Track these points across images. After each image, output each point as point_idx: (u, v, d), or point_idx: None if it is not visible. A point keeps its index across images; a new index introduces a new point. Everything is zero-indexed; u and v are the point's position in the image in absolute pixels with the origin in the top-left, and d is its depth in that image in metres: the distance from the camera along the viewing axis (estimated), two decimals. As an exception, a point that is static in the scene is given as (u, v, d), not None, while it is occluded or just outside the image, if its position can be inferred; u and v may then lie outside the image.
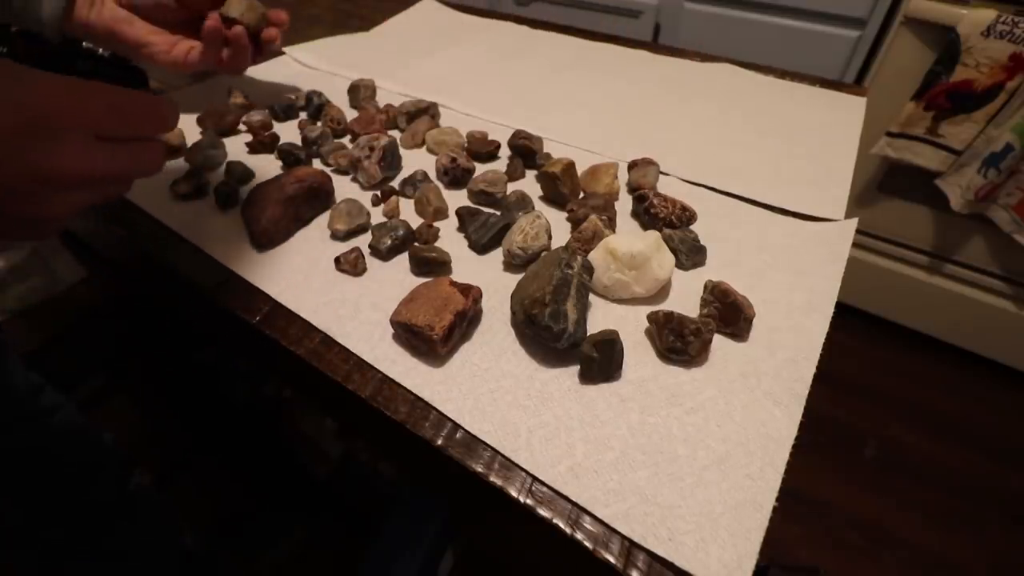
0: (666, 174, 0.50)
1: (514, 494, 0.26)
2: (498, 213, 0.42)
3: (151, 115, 0.28)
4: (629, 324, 0.35)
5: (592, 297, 0.36)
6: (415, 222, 0.42)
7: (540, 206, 0.46)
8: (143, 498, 0.56)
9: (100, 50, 0.58)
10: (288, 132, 0.55)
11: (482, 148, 0.51)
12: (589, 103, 0.63)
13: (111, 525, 0.52)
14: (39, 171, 0.23)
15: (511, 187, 0.47)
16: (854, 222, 0.44)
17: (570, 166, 0.45)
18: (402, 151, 0.52)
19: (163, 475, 0.66)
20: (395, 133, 0.56)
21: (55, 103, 0.23)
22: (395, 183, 0.48)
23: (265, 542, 0.80)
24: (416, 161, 0.51)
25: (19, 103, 0.22)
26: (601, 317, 0.35)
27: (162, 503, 0.59)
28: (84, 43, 0.57)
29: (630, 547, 0.25)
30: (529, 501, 0.26)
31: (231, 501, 0.82)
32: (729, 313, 0.34)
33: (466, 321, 0.33)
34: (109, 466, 0.52)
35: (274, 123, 0.57)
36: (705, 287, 0.35)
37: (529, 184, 0.48)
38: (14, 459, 0.44)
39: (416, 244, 0.40)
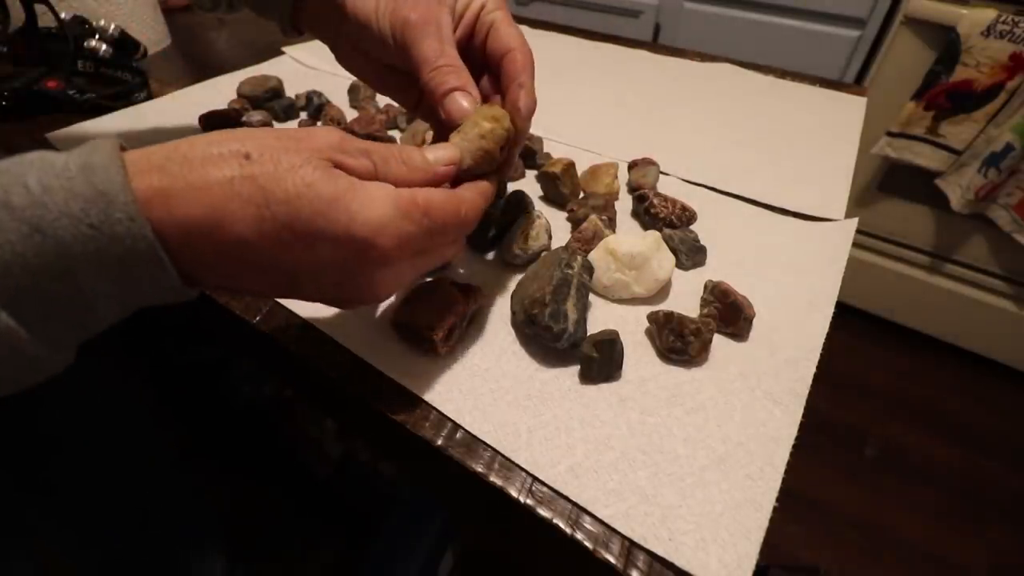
0: (666, 174, 0.50)
1: (514, 494, 0.26)
2: (498, 213, 0.42)
3: (460, 224, 0.27)
4: (629, 324, 0.35)
5: (592, 297, 0.36)
6: (415, 222, 0.42)
7: (540, 206, 0.46)
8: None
9: (101, 50, 0.58)
10: (288, 132, 0.55)
11: (482, 148, 0.51)
12: (589, 103, 0.63)
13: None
14: (351, 297, 0.26)
15: (511, 187, 0.47)
16: (854, 222, 0.44)
17: (570, 166, 0.45)
18: (402, 151, 0.52)
19: (162, 476, 0.66)
20: (395, 133, 0.56)
21: (388, 245, 0.23)
22: (395, 183, 0.48)
23: (265, 542, 0.80)
24: (416, 161, 0.51)
25: (359, 245, 0.22)
26: (601, 317, 0.35)
27: (160, 506, 0.59)
28: (85, 43, 0.58)
29: (630, 547, 0.25)
30: (529, 501, 0.26)
31: (231, 501, 0.82)
32: (729, 313, 0.34)
33: (466, 321, 0.33)
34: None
35: (274, 123, 0.57)
36: (705, 287, 0.35)
37: (529, 184, 0.48)
38: None
39: (416, 244, 0.40)
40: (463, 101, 0.30)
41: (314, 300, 0.26)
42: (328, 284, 0.24)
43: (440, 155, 0.28)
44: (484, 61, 0.34)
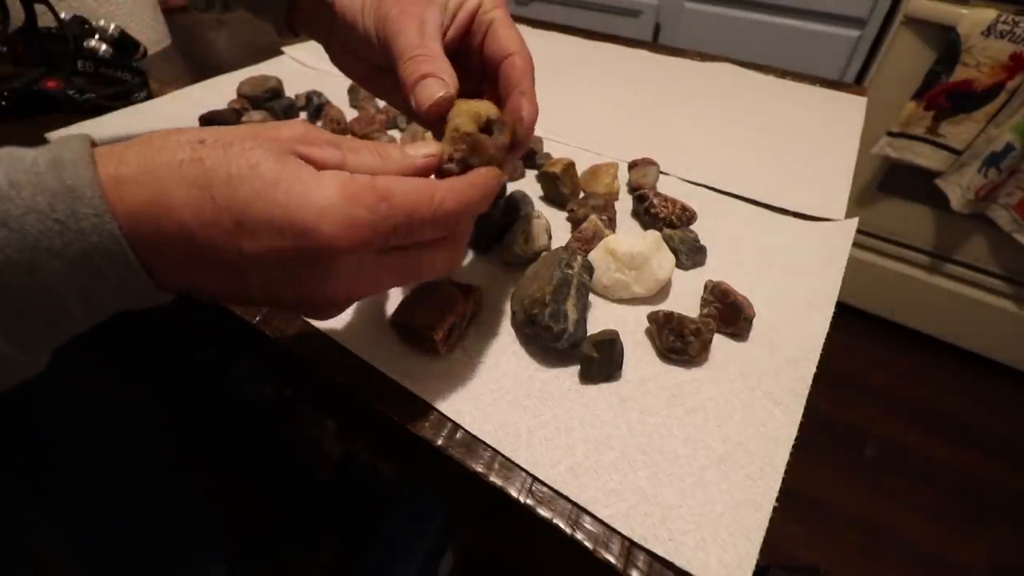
0: (666, 174, 0.50)
1: (514, 494, 0.26)
2: (498, 213, 0.42)
3: (436, 215, 0.23)
4: (629, 324, 0.35)
5: (592, 297, 0.36)
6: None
7: (540, 206, 0.46)
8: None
9: (101, 50, 0.58)
10: (288, 132, 0.55)
11: (482, 148, 0.51)
12: (589, 103, 0.63)
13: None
14: (301, 299, 0.23)
15: (511, 187, 0.47)
16: (854, 222, 0.44)
17: (570, 166, 0.45)
18: (402, 151, 0.52)
19: (161, 477, 0.66)
20: (395, 133, 0.56)
21: (331, 232, 0.21)
22: (395, 183, 0.48)
23: (265, 543, 0.80)
24: (416, 161, 0.51)
25: (298, 231, 0.20)
26: (601, 317, 0.35)
27: (159, 508, 0.59)
28: (85, 43, 0.58)
29: (630, 547, 0.25)
30: (529, 501, 0.26)
31: (230, 502, 0.82)
32: (729, 313, 0.34)
33: (466, 321, 0.33)
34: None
35: (274, 123, 0.57)
36: (705, 287, 0.35)
37: (529, 184, 0.48)
38: None
39: (416, 244, 0.40)
40: (434, 86, 0.27)
41: (271, 305, 0.24)
42: (279, 283, 0.22)
43: (420, 150, 0.25)
44: (482, 65, 0.33)
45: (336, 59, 0.37)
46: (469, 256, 0.40)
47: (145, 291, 0.21)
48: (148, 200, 0.20)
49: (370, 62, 0.34)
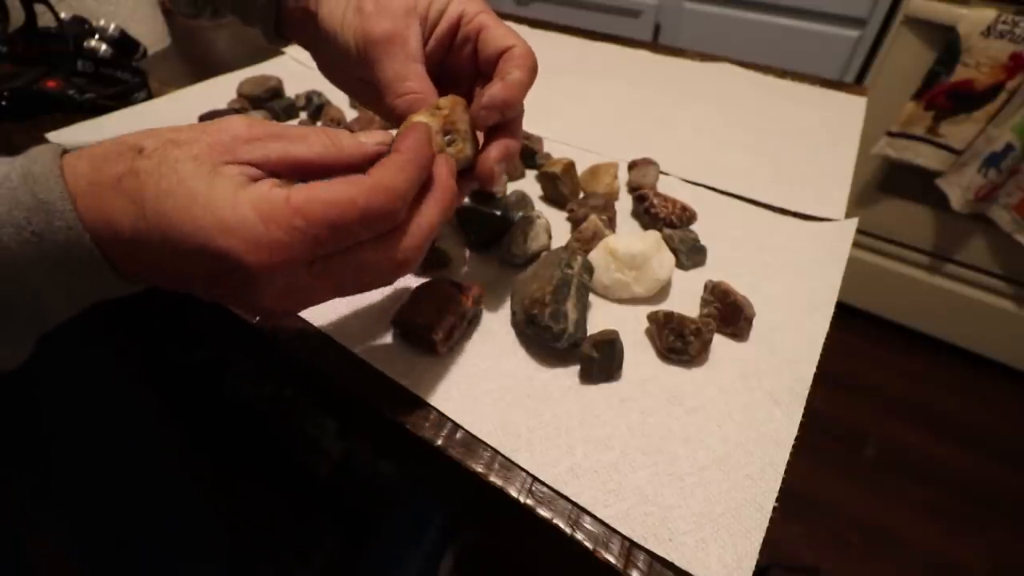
0: (666, 174, 0.50)
1: (514, 494, 0.26)
2: (498, 213, 0.42)
3: (366, 217, 0.22)
4: (629, 324, 0.35)
5: (592, 297, 0.36)
6: (415, 222, 0.42)
7: (540, 206, 0.46)
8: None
9: (101, 50, 0.58)
10: (288, 132, 0.55)
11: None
12: (589, 103, 0.63)
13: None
14: (242, 308, 0.23)
15: (511, 187, 0.47)
16: (854, 222, 0.44)
17: (570, 166, 0.45)
18: (402, 151, 0.52)
19: (161, 476, 0.66)
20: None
21: (242, 251, 0.20)
22: (395, 183, 0.48)
23: (264, 542, 0.80)
24: (416, 161, 0.51)
25: (212, 252, 0.20)
26: (601, 317, 0.35)
27: (158, 506, 0.59)
28: (85, 43, 0.58)
29: (630, 547, 0.25)
30: (529, 501, 0.26)
31: (229, 500, 0.82)
32: (729, 313, 0.34)
33: (466, 321, 0.33)
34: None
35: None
36: (705, 287, 0.35)
37: (529, 184, 0.48)
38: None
39: (416, 244, 0.40)
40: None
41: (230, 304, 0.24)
42: (216, 294, 0.23)
43: (374, 137, 0.25)
44: (478, 70, 0.32)
45: (323, 68, 0.36)
46: (469, 256, 0.40)
47: (116, 285, 0.23)
48: (98, 217, 0.21)
49: (353, 75, 0.33)
